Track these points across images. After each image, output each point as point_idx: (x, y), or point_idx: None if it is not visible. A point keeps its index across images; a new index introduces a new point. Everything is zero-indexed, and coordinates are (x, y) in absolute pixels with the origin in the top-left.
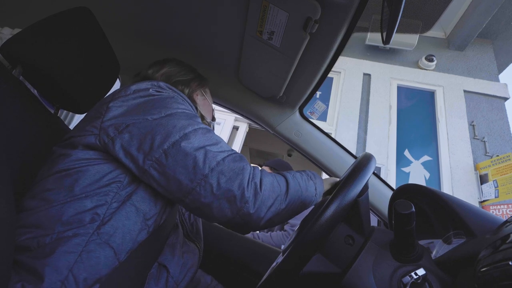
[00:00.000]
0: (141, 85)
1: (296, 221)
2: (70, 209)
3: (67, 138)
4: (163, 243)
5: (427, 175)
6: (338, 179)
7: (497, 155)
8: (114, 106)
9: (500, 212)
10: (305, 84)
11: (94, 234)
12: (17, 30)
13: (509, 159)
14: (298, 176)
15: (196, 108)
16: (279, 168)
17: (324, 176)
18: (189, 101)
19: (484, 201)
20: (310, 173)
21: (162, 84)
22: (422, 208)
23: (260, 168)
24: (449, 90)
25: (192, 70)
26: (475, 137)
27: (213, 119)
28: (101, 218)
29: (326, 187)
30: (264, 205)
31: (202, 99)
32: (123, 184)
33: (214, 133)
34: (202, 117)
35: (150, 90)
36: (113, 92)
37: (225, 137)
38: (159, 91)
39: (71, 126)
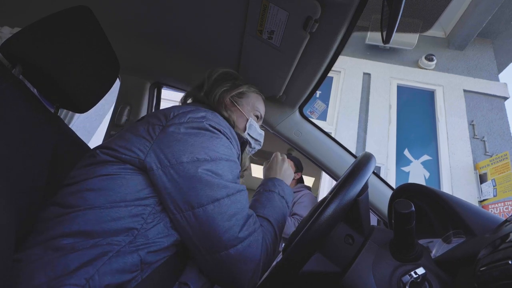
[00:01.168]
0: (196, 113)
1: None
2: (108, 217)
3: (112, 148)
4: (185, 262)
5: (427, 174)
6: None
7: (496, 155)
8: (166, 133)
9: (497, 211)
10: (305, 83)
11: (127, 245)
12: (16, 29)
13: (506, 158)
14: (277, 208)
15: (228, 117)
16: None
17: (324, 175)
18: (236, 137)
19: (483, 200)
20: (279, 188)
21: (217, 117)
22: (422, 207)
23: (262, 240)
24: (449, 90)
25: (233, 79)
26: (475, 137)
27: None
28: (138, 230)
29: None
30: (261, 274)
31: (231, 105)
32: (158, 202)
33: (244, 199)
34: (234, 125)
35: (204, 122)
36: (171, 110)
37: None
38: (212, 126)
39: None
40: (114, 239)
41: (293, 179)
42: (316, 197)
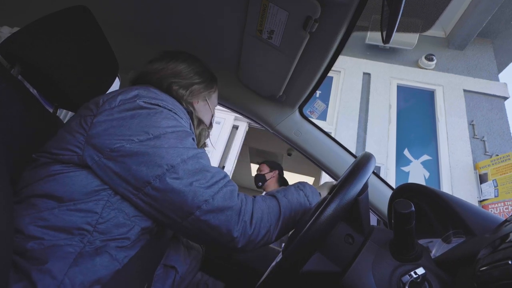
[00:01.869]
0: (127, 94)
1: None
2: (58, 218)
3: (49, 151)
4: (166, 245)
5: (427, 174)
6: (335, 182)
7: (497, 155)
8: (98, 121)
9: (497, 211)
10: (305, 83)
11: (86, 242)
12: (16, 29)
13: (509, 159)
14: (289, 194)
15: (192, 115)
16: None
17: (324, 175)
18: (182, 108)
19: (483, 200)
20: (300, 184)
21: (152, 92)
22: (422, 207)
23: (252, 199)
24: (449, 90)
25: (200, 71)
26: (475, 137)
27: (210, 126)
28: (93, 226)
29: (324, 191)
30: (253, 241)
31: (203, 105)
32: (112, 194)
33: (205, 160)
34: (200, 122)
35: (137, 101)
36: (101, 96)
37: (224, 136)
38: (147, 103)
39: None
40: (70, 239)
41: (268, 178)
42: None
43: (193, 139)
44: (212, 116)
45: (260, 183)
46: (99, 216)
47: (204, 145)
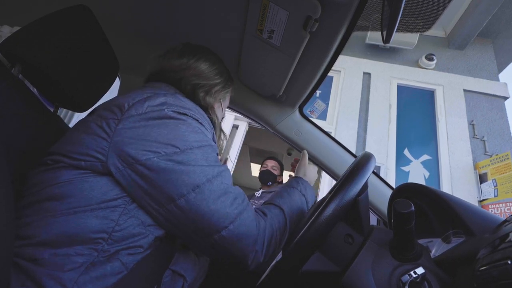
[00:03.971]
0: (154, 100)
1: None
2: (73, 224)
3: (65, 155)
4: (175, 249)
5: (427, 174)
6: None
7: (496, 154)
8: (123, 128)
9: (498, 211)
10: (305, 83)
11: (100, 251)
12: (16, 28)
13: (508, 158)
14: (294, 204)
15: (215, 124)
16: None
17: (324, 175)
18: (207, 117)
19: (483, 200)
20: (302, 187)
21: (179, 99)
22: (422, 207)
23: (266, 223)
24: (449, 89)
25: (221, 71)
26: (475, 137)
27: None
28: (109, 234)
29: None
30: (262, 262)
31: (217, 107)
32: (129, 202)
33: (227, 179)
34: (221, 132)
35: (165, 110)
36: (126, 99)
37: None
38: (175, 112)
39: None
40: (83, 248)
41: (277, 181)
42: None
43: (216, 153)
44: (223, 118)
45: (270, 183)
46: (116, 224)
47: (226, 161)
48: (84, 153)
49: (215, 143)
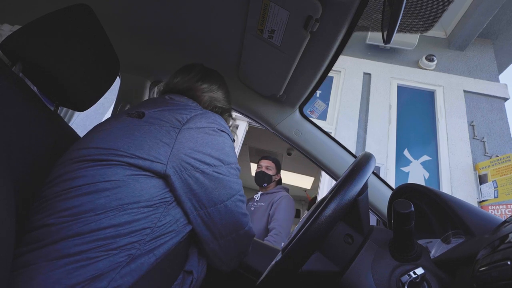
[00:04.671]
0: (208, 117)
1: None
2: (121, 220)
3: (125, 154)
4: (188, 250)
5: (427, 174)
6: None
7: (497, 156)
8: (184, 137)
9: (498, 212)
10: (305, 83)
11: (141, 247)
12: (16, 27)
13: (509, 160)
14: None
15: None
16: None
17: (324, 175)
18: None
19: (483, 201)
20: None
21: (220, 118)
22: (421, 207)
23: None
24: (449, 90)
25: (230, 99)
26: (475, 137)
27: None
28: (151, 229)
29: None
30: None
31: None
32: (169, 202)
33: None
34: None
35: (216, 127)
36: (181, 112)
37: None
38: (221, 130)
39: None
40: (128, 243)
41: (273, 181)
42: (316, 197)
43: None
44: None
45: (265, 184)
46: (158, 221)
47: None
48: (148, 153)
49: None
